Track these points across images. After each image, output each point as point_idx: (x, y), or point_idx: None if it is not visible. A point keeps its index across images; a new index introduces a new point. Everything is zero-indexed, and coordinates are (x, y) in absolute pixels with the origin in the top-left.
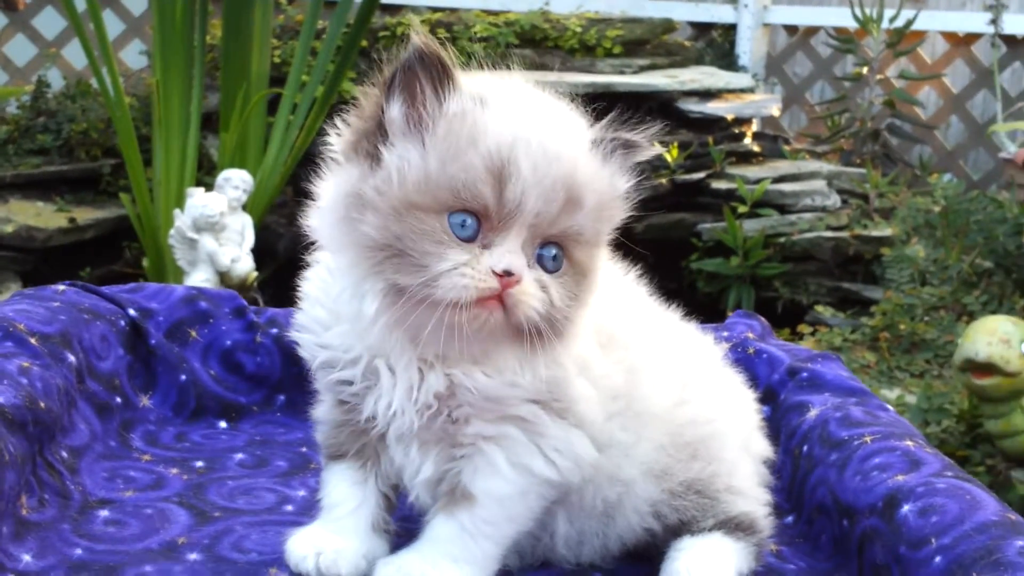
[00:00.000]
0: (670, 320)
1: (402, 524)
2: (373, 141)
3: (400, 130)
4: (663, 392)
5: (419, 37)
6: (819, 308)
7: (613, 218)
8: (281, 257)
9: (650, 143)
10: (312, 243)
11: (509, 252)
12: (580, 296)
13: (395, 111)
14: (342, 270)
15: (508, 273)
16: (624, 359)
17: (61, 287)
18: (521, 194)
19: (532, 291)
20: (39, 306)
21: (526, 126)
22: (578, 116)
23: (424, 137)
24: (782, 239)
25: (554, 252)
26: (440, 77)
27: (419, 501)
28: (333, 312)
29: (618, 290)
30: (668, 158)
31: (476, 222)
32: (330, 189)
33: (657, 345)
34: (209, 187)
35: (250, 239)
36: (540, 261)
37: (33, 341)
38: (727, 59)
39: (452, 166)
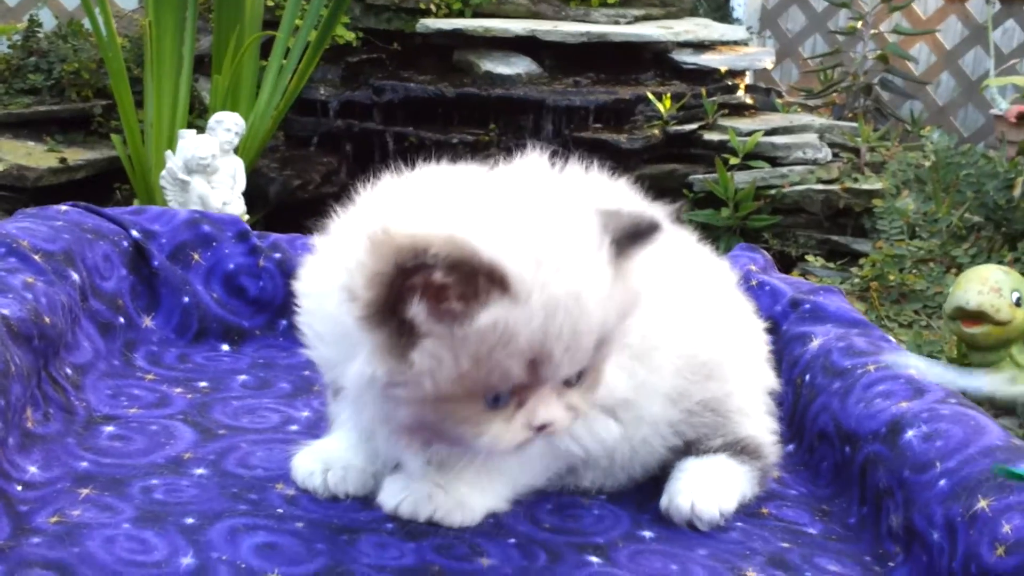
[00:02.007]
0: (685, 241)
1: None
2: (396, 339)
3: (426, 329)
4: (679, 316)
5: (444, 246)
6: (809, 258)
7: (631, 313)
8: (272, 201)
9: (664, 220)
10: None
11: (544, 406)
12: (598, 383)
13: (416, 310)
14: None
15: (545, 426)
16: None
17: (64, 207)
18: (554, 371)
19: (566, 420)
20: (42, 224)
21: (557, 314)
22: (594, 235)
23: (454, 335)
24: (773, 191)
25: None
26: (468, 289)
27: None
28: (332, 333)
29: None
30: (661, 109)
31: (510, 391)
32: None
33: (673, 268)
34: (201, 129)
35: (241, 182)
36: (566, 382)
37: (37, 258)
38: (721, 11)
39: (486, 365)
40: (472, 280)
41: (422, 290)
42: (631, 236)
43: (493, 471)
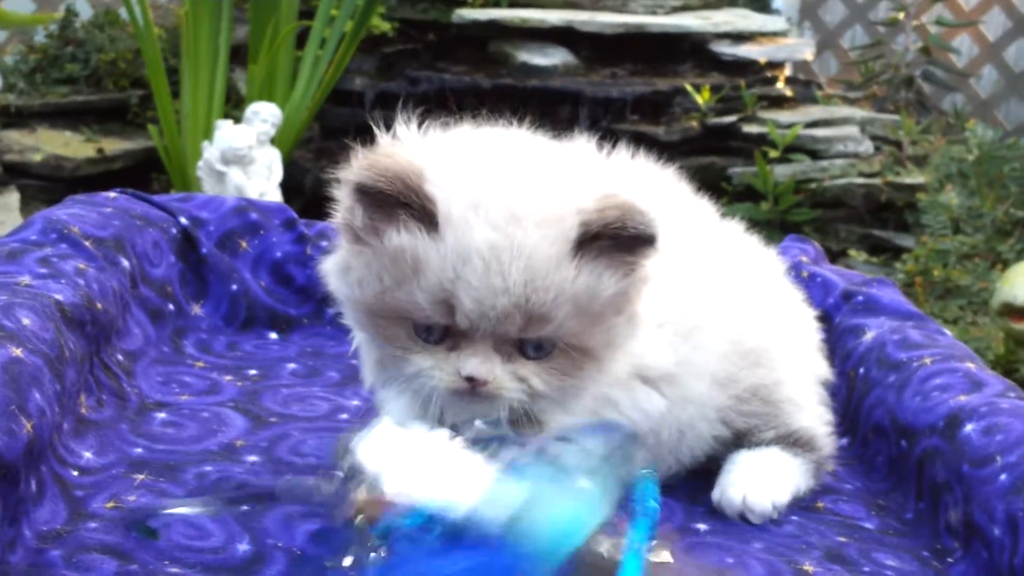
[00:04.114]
0: (732, 231)
1: None
2: (350, 247)
3: (361, 238)
4: (726, 300)
5: (358, 171)
6: (852, 253)
7: (605, 315)
8: (308, 192)
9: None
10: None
11: (474, 357)
12: (586, 368)
13: (358, 218)
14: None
15: (473, 379)
16: (683, 274)
17: (112, 194)
18: (470, 323)
19: (509, 384)
20: (92, 211)
21: (476, 259)
22: (565, 209)
23: (377, 252)
24: (813, 185)
25: (537, 343)
26: (381, 210)
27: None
28: None
29: (677, 203)
30: (699, 100)
31: (442, 327)
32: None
33: (719, 254)
34: (237, 120)
35: (278, 173)
36: (522, 349)
37: (88, 244)
38: (760, 2)
39: (400, 291)
40: (404, 204)
41: (365, 204)
42: (611, 237)
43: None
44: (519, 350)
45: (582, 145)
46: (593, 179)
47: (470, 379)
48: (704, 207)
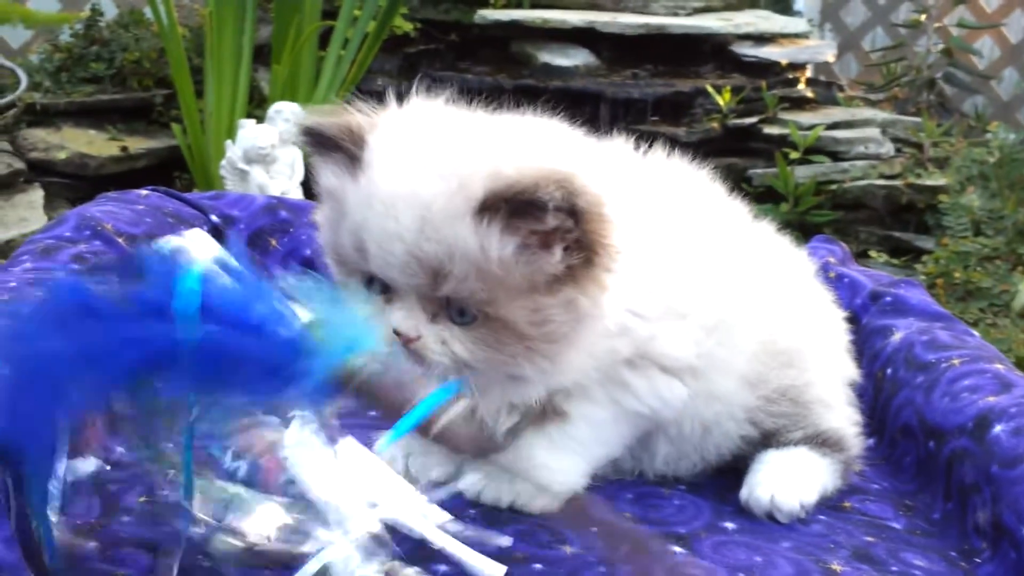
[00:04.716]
0: (764, 231)
1: None
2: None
3: (322, 183)
4: (756, 300)
5: (312, 117)
6: (873, 254)
7: (523, 289)
8: None
9: (553, 195)
10: None
11: (399, 311)
12: (510, 344)
13: (320, 171)
14: None
15: (398, 333)
16: (713, 271)
17: (144, 191)
18: (380, 269)
19: (432, 346)
20: (125, 208)
21: (377, 204)
22: (476, 168)
23: (323, 192)
24: (834, 186)
25: (458, 307)
26: (325, 154)
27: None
28: None
29: (710, 203)
30: (720, 102)
31: (380, 280)
32: None
33: (751, 254)
34: (260, 119)
35: (300, 172)
36: (449, 313)
37: (121, 241)
38: (782, 3)
39: (336, 236)
40: (340, 147)
41: (313, 146)
42: (525, 205)
43: (567, 446)
44: (447, 314)
45: (619, 145)
46: (552, 156)
47: (398, 334)
48: (737, 208)
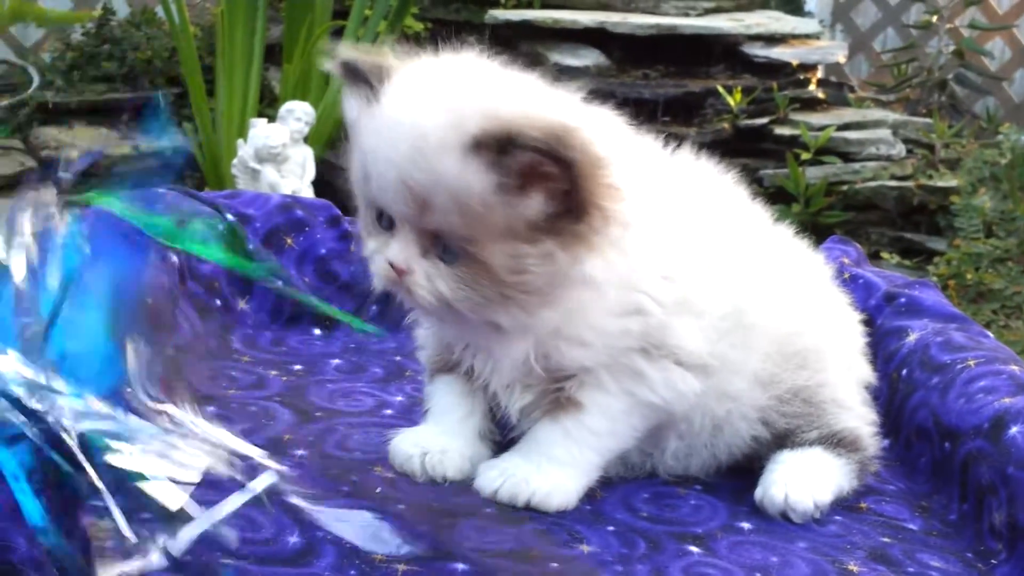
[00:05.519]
0: (781, 233)
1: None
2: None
3: (346, 115)
4: (773, 302)
5: (344, 50)
6: (884, 255)
7: (487, 218)
8: (340, 192)
9: (537, 134)
10: None
11: (397, 244)
12: (485, 284)
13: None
14: None
15: (393, 265)
16: (732, 271)
17: (161, 190)
18: (376, 195)
19: (420, 281)
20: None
21: (383, 132)
22: (475, 107)
23: (350, 131)
24: (845, 187)
25: (444, 244)
26: (355, 88)
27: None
28: None
29: (727, 203)
30: (731, 102)
31: (388, 216)
32: None
33: (766, 255)
34: (271, 118)
35: (311, 171)
36: (438, 251)
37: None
38: (793, 4)
39: (352, 166)
40: (370, 84)
41: (347, 79)
42: (497, 141)
43: (581, 438)
44: (435, 252)
45: (650, 143)
46: (550, 108)
47: (393, 266)
48: (758, 211)
